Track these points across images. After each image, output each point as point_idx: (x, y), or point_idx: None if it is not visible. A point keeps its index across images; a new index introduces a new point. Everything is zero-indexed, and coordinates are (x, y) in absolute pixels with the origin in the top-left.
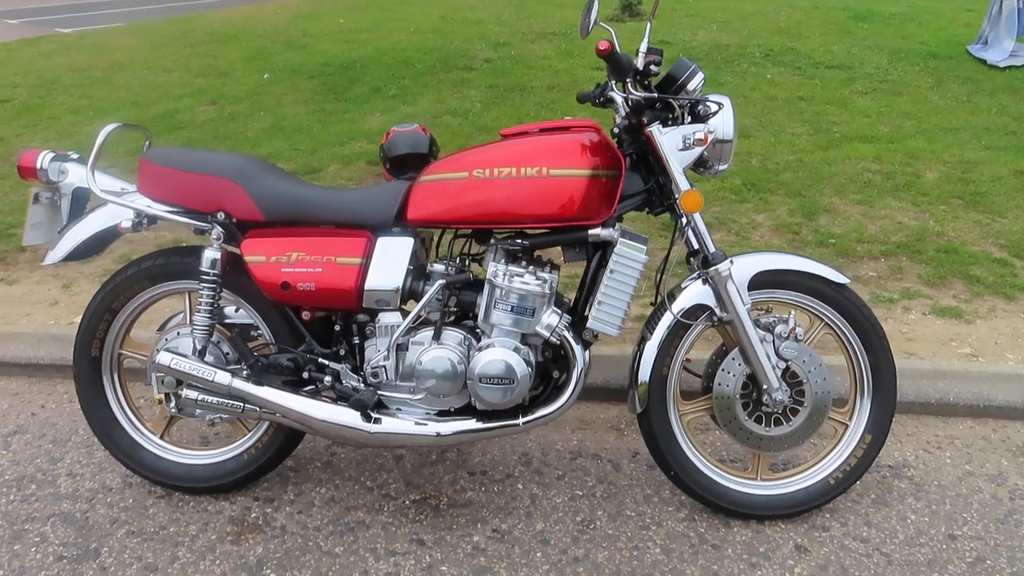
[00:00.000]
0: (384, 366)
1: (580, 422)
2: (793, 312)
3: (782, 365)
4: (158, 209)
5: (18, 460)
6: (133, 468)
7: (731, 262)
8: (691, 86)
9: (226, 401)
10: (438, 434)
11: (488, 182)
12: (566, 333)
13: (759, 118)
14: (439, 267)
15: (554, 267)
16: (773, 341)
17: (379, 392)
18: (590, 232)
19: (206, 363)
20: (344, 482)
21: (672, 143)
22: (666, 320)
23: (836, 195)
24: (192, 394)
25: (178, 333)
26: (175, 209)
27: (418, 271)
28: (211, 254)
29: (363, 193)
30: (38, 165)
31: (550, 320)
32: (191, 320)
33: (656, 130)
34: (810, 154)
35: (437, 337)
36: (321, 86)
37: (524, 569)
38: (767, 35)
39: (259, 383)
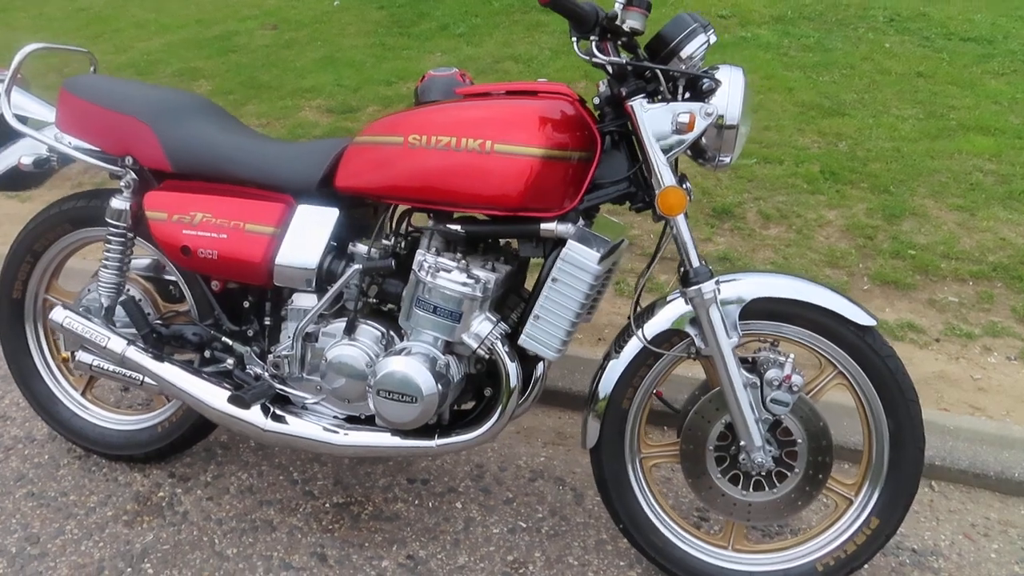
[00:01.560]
0: (288, 356)
1: (556, 435)
2: (791, 356)
3: (769, 419)
4: (69, 147)
5: None
6: (48, 423)
7: (717, 282)
8: (686, 52)
9: (121, 371)
10: (339, 444)
11: (423, 152)
12: (498, 346)
13: (862, 94)
14: (362, 248)
15: (509, 261)
16: (761, 388)
17: (281, 387)
18: (542, 226)
19: (104, 326)
20: (270, 470)
21: (656, 123)
22: (632, 345)
23: (931, 196)
24: (87, 358)
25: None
26: (88, 149)
27: (341, 250)
28: (118, 204)
29: (289, 150)
30: None
31: (480, 328)
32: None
33: (639, 105)
34: (912, 143)
35: (349, 331)
36: (388, 18)
37: None
38: None
39: (158, 356)
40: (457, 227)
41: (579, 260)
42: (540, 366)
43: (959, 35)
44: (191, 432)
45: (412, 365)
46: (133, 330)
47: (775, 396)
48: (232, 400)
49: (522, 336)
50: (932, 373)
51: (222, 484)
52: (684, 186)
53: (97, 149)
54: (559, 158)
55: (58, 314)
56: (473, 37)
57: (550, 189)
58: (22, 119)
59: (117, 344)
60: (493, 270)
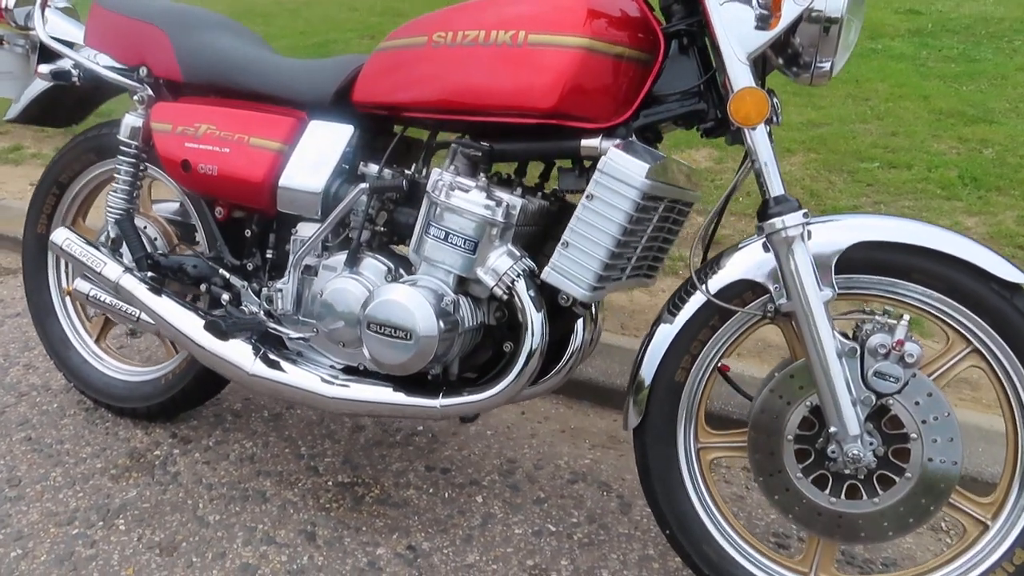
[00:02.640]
0: (283, 291)
1: (608, 438)
2: (905, 317)
3: (871, 400)
4: (91, 62)
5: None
6: (59, 367)
7: (805, 216)
8: None
9: (117, 303)
10: (331, 397)
11: (448, 51)
12: (520, 285)
13: (1016, 103)
14: (373, 168)
15: (548, 199)
16: (861, 358)
17: (274, 325)
18: (583, 142)
19: (104, 252)
20: (277, 441)
21: (734, 13)
22: (694, 301)
23: None
24: (84, 286)
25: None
26: (108, 65)
27: (353, 173)
28: (131, 120)
29: (307, 64)
30: (3, 5)
31: (499, 263)
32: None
33: None
34: None
35: (351, 263)
36: None
37: None
38: None
39: (155, 289)
40: (482, 142)
41: (621, 171)
42: (580, 325)
43: None
44: (194, 386)
45: (411, 296)
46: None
47: (880, 368)
48: (208, 327)
49: (547, 268)
50: None
51: (223, 450)
52: (772, 100)
53: (117, 63)
54: (607, 53)
55: (58, 235)
56: None
57: (595, 92)
58: (67, 44)
59: (113, 270)
60: (523, 196)
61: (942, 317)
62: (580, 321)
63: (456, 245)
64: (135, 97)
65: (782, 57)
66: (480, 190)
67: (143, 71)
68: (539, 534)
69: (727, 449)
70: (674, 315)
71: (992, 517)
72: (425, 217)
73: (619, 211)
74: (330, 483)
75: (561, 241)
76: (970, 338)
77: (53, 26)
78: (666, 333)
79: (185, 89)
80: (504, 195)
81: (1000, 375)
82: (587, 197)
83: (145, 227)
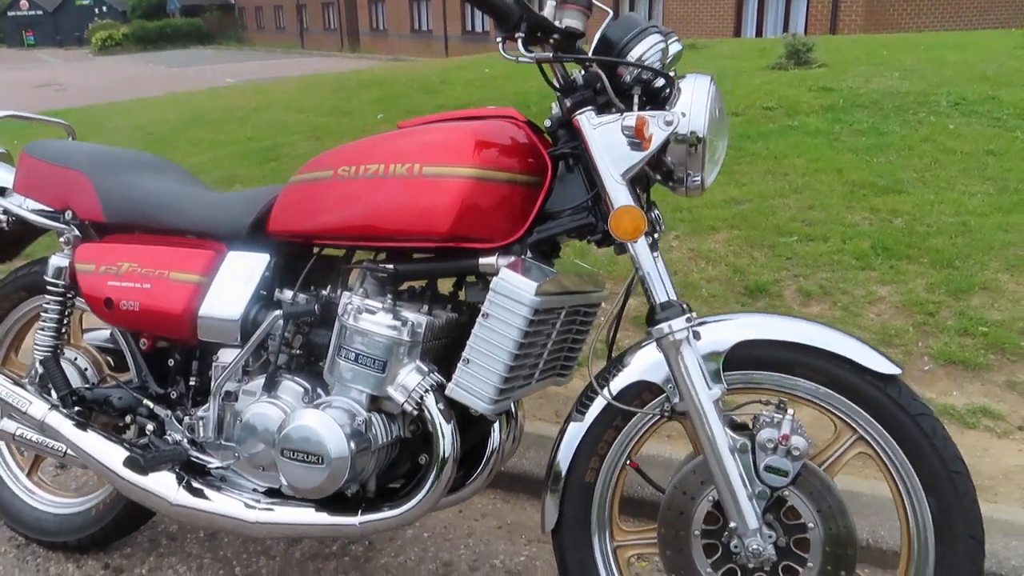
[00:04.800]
0: (204, 418)
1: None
2: (791, 412)
3: (767, 493)
4: (18, 208)
5: None
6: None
7: (690, 320)
8: (635, 54)
9: (44, 440)
10: (254, 522)
11: (352, 183)
12: (429, 400)
13: (922, 173)
14: (287, 294)
15: (457, 310)
16: (753, 453)
17: (196, 454)
18: (481, 260)
19: (30, 389)
20: (212, 563)
21: (607, 138)
22: (598, 403)
23: (1006, 270)
24: (11, 426)
25: None
26: (36, 207)
27: (270, 299)
28: (56, 261)
29: (225, 197)
30: None
31: (407, 379)
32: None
33: (586, 119)
34: (983, 217)
35: (269, 387)
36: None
37: None
38: (963, 84)
39: (81, 424)
40: (387, 265)
41: (511, 290)
42: (496, 429)
43: None
44: (125, 516)
45: (321, 420)
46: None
47: (769, 463)
48: (128, 463)
49: (450, 385)
50: (1015, 466)
51: None
52: (652, 213)
53: (44, 207)
54: (498, 180)
55: None
56: None
57: (487, 215)
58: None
59: (38, 409)
60: (430, 314)
61: (828, 408)
62: (496, 425)
63: (366, 365)
64: (61, 239)
65: (659, 173)
66: (386, 312)
67: (68, 214)
68: None
69: (643, 545)
70: (580, 417)
71: None
72: (336, 340)
73: (512, 328)
74: None
75: (462, 358)
76: (855, 427)
77: None
78: (574, 434)
79: (110, 228)
80: (410, 315)
81: (887, 462)
82: (483, 316)
83: (76, 358)
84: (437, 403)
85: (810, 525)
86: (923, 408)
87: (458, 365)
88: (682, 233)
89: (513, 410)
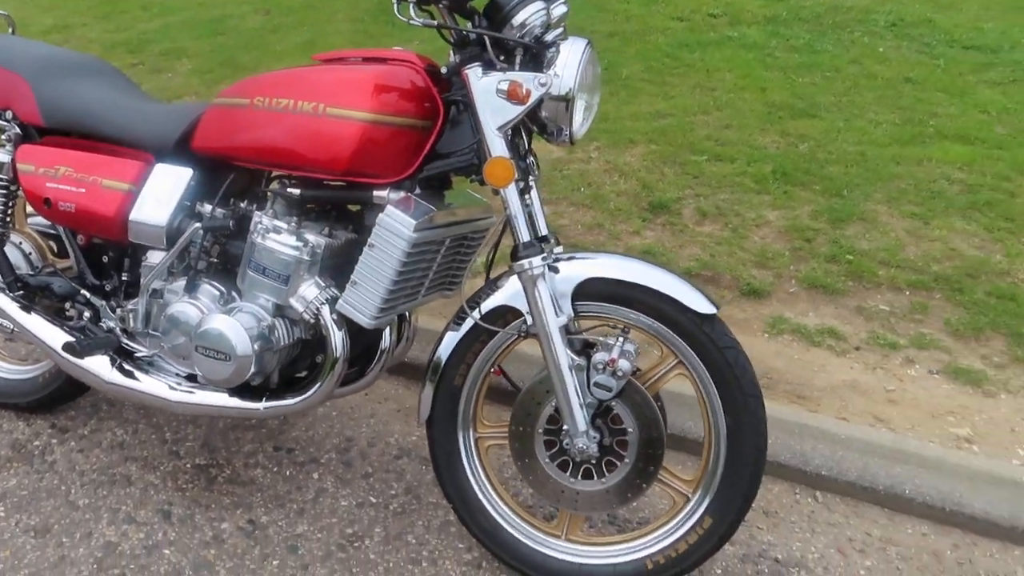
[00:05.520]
0: (134, 311)
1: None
2: (622, 339)
3: (595, 404)
4: None
5: None
6: None
7: (546, 259)
8: (518, 19)
9: None
10: (175, 401)
11: (265, 114)
12: (324, 311)
13: (840, 97)
14: (207, 208)
15: (359, 231)
16: (588, 371)
17: (127, 342)
18: (374, 193)
19: None
20: (146, 428)
21: (489, 93)
22: (469, 321)
23: (886, 202)
24: None
25: None
26: None
27: (193, 210)
28: (1, 156)
29: (156, 110)
30: None
31: (307, 292)
32: None
33: (473, 74)
34: (880, 148)
35: (190, 289)
36: (379, 6)
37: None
38: (908, 1)
39: (26, 307)
40: (293, 190)
41: (393, 226)
42: (387, 336)
43: (963, 43)
44: (69, 384)
45: (229, 324)
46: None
47: (598, 380)
48: (66, 348)
49: (340, 301)
50: (843, 382)
51: (96, 438)
52: (528, 160)
53: None
54: (392, 124)
55: None
56: None
57: (382, 155)
58: None
59: None
60: (330, 236)
61: (657, 336)
62: (386, 331)
63: (271, 278)
64: (3, 136)
65: (536, 125)
66: (290, 233)
67: (9, 114)
68: (361, 505)
69: (499, 438)
70: (456, 328)
71: (692, 492)
72: (247, 253)
73: (393, 258)
74: (188, 465)
75: (350, 280)
76: (676, 353)
77: None
78: (448, 343)
79: (49, 131)
80: (311, 236)
81: (698, 383)
82: (368, 246)
83: (21, 243)
84: (331, 314)
85: (629, 430)
86: (730, 343)
87: (347, 286)
88: (603, 144)
89: (407, 316)
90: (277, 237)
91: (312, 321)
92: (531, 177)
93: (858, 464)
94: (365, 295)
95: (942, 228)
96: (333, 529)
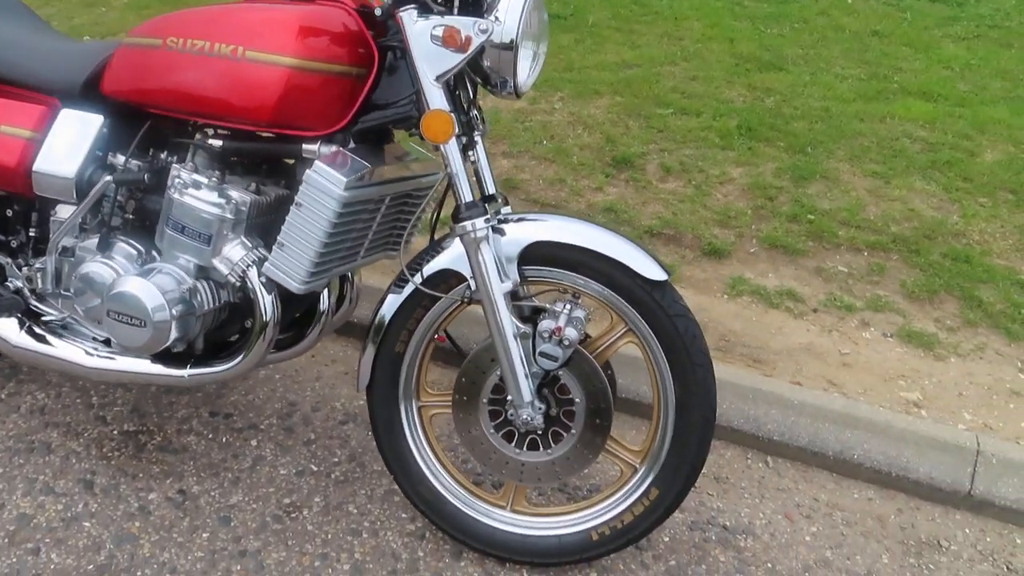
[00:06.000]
0: (42, 270)
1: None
2: (568, 306)
3: (540, 374)
4: None
5: None
6: None
7: (489, 220)
8: None
9: None
10: (92, 367)
11: (179, 56)
12: (251, 273)
13: (807, 50)
14: (120, 160)
15: (291, 186)
16: (534, 338)
17: (36, 303)
18: (304, 147)
19: None
20: (70, 392)
21: (426, 39)
22: (409, 286)
23: (848, 160)
24: None
25: None
26: None
27: (105, 159)
28: None
29: (61, 49)
30: None
31: (231, 253)
32: None
33: (408, 17)
34: (845, 104)
35: (103, 248)
36: None
37: (173, 550)
38: None
39: None
40: (215, 141)
41: (322, 183)
42: (325, 298)
43: None
44: None
45: (143, 287)
46: None
47: (543, 349)
48: None
49: (266, 264)
50: (799, 345)
51: (14, 402)
52: (472, 113)
53: None
54: (318, 71)
55: None
56: None
57: (309, 105)
58: None
59: None
60: (258, 192)
61: (607, 303)
62: (324, 293)
63: (192, 238)
64: None
65: (479, 76)
66: (211, 189)
67: None
68: (301, 474)
69: (444, 406)
70: (397, 291)
71: (640, 463)
72: (165, 210)
73: (322, 218)
74: (115, 432)
75: (277, 241)
76: (626, 320)
77: None
78: (388, 308)
79: None
80: (235, 193)
81: (648, 350)
82: (296, 204)
83: None
84: (259, 276)
85: (576, 400)
86: (681, 310)
87: (273, 247)
88: (567, 95)
89: (350, 276)
90: (197, 193)
91: (239, 284)
92: (476, 132)
93: (809, 429)
94: (293, 258)
95: (902, 188)
96: (270, 499)
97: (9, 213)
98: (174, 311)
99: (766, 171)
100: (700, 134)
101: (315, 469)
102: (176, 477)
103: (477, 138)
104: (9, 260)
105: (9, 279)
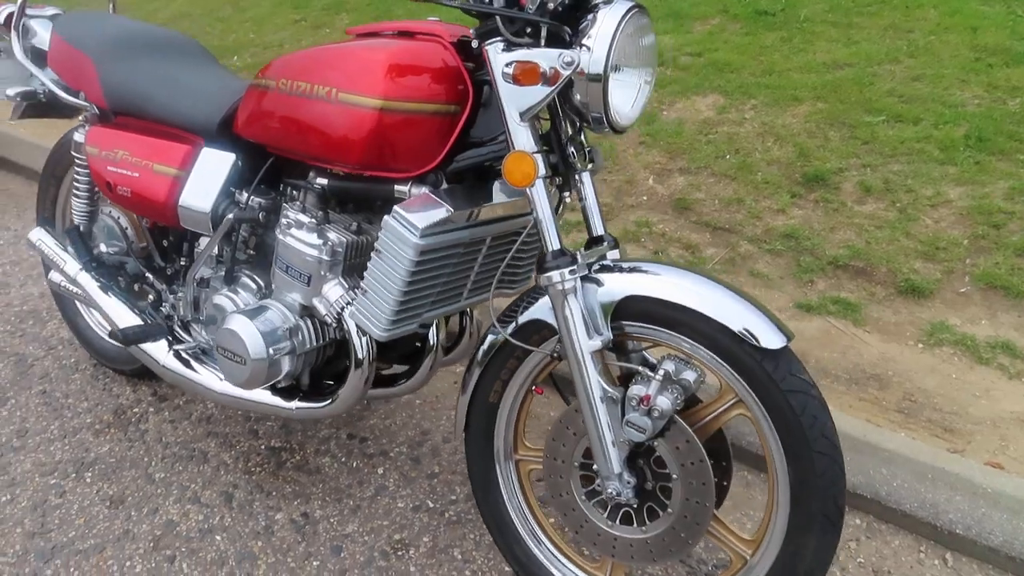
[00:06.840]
0: (183, 299)
1: (531, 416)
2: (664, 371)
3: (629, 444)
4: (52, 82)
5: (27, 298)
6: (71, 329)
7: (576, 271)
8: None
9: (79, 291)
10: (220, 393)
11: (287, 98)
12: (346, 315)
13: None
14: (243, 196)
15: None
16: (622, 405)
17: (179, 330)
18: (396, 188)
19: (66, 248)
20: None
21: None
22: (497, 338)
23: None
24: (56, 278)
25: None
26: (63, 84)
27: (233, 197)
28: (76, 136)
29: (206, 89)
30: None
31: (329, 293)
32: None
33: (493, 51)
34: None
35: (228, 281)
36: None
37: (284, 575)
38: None
39: (104, 285)
40: (321, 181)
41: (398, 230)
42: (433, 334)
43: None
44: None
45: (244, 326)
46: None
47: (631, 418)
48: (111, 335)
49: (350, 309)
50: (1009, 414)
51: (189, 409)
52: (568, 151)
53: (65, 84)
54: (407, 111)
55: (33, 234)
56: None
57: (399, 146)
58: (43, 53)
59: (72, 267)
60: (358, 233)
61: (714, 367)
62: (432, 329)
63: (294, 277)
64: (81, 117)
65: (572, 111)
66: (311, 230)
67: (82, 95)
68: (417, 509)
69: (540, 462)
70: (494, 337)
71: (752, 554)
72: (276, 248)
73: (400, 266)
74: (263, 447)
75: (360, 287)
76: (735, 390)
77: (40, 38)
78: (481, 356)
79: (118, 111)
80: (333, 234)
81: (760, 430)
82: (375, 251)
83: (119, 217)
84: (353, 317)
85: (674, 476)
86: (799, 386)
87: (357, 292)
88: (761, 103)
89: (468, 310)
90: (298, 233)
91: (335, 324)
92: (576, 173)
93: (1007, 527)
94: (375, 304)
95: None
96: (382, 532)
97: (165, 243)
98: (272, 350)
99: (995, 192)
100: (915, 146)
101: (431, 506)
102: (304, 499)
103: (582, 177)
104: (164, 287)
105: (164, 304)
